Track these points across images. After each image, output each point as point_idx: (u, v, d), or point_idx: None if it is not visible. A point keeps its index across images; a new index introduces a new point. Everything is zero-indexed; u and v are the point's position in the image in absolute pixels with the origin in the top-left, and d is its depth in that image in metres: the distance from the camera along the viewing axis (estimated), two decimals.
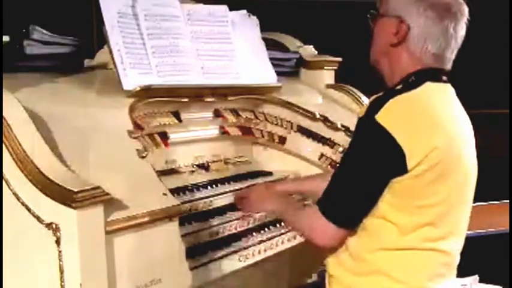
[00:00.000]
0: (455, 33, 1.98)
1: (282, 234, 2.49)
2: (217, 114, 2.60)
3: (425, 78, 1.98)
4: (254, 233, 2.41)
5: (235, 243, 2.32)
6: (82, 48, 2.36)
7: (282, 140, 2.81)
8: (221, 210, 2.38)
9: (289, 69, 3.07)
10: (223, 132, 2.64)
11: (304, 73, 3.11)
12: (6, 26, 2.28)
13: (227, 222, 2.34)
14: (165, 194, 1.97)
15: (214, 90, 2.52)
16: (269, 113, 2.79)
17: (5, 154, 1.74)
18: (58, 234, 1.68)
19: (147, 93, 2.26)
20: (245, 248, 2.34)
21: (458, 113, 2.06)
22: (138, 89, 2.23)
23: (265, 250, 2.42)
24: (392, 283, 1.97)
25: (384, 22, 2.03)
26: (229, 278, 2.28)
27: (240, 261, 2.30)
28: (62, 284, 1.69)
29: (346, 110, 2.93)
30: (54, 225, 1.68)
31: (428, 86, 1.98)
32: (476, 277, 2.10)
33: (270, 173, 2.78)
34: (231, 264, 2.27)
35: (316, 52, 3.16)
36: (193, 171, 2.51)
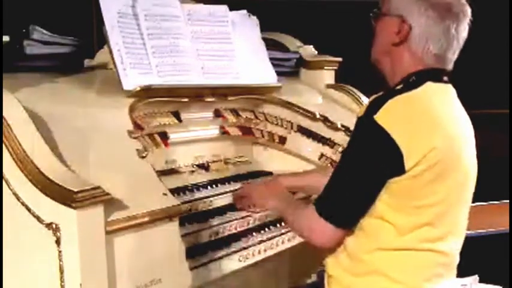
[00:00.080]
0: (457, 34, 1.97)
1: (282, 234, 2.49)
2: (217, 114, 2.60)
3: (426, 79, 1.98)
4: (254, 233, 2.41)
5: (235, 243, 2.32)
6: (82, 48, 2.36)
7: (282, 140, 2.81)
8: (221, 210, 2.38)
9: (289, 69, 3.07)
10: (224, 132, 2.64)
11: (304, 73, 3.11)
12: (6, 26, 2.28)
13: (227, 222, 2.34)
14: (165, 194, 1.97)
15: (214, 90, 2.52)
16: (269, 113, 2.79)
17: (5, 154, 1.74)
18: (58, 234, 1.68)
19: (147, 93, 2.26)
20: (245, 248, 2.34)
21: (458, 113, 2.06)
22: (138, 89, 2.23)
23: (265, 250, 2.42)
24: (390, 283, 1.97)
25: (386, 21, 2.03)
26: (229, 278, 2.28)
27: (240, 261, 2.30)
28: (62, 284, 1.69)
29: (346, 110, 2.93)
30: (54, 225, 1.68)
31: (429, 86, 1.98)
32: (476, 277, 2.10)
33: (270, 173, 2.78)
34: (231, 264, 2.27)
35: (316, 52, 3.16)
36: (193, 171, 2.51)
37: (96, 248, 1.72)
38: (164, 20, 2.42)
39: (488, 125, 3.82)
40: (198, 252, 2.15)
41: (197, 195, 2.38)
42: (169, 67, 2.38)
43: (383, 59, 2.07)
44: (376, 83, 2.09)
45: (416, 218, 1.94)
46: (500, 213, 3.93)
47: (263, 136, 2.78)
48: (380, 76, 2.10)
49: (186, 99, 2.40)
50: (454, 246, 2.05)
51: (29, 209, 1.72)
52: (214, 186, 2.49)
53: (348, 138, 2.70)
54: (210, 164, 2.58)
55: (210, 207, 2.38)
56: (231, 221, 2.36)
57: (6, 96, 1.81)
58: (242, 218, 2.40)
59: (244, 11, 2.74)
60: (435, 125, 1.93)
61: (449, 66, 2.03)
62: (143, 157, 2.04)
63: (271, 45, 2.93)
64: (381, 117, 1.88)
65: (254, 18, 2.76)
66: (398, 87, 1.98)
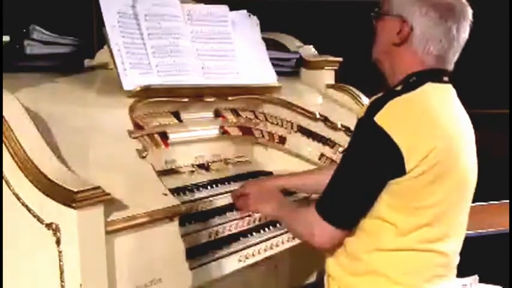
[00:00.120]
0: (457, 34, 1.97)
1: (282, 234, 2.49)
2: (217, 114, 2.60)
3: (427, 79, 1.98)
4: (254, 233, 2.41)
5: (235, 243, 2.32)
6: (82, 48, 2.36)
7: (282, 140, 2.82)
8: (221, 210, 2.38)
9: (289, 69, 3.07)
10: (224, 132, 2.64)
11: (304, 73, 3.11)
12: (6, 26, 2.28)
13: (227, 222, 2.34)
14: (165, 194, 1.97)
15: (215, 90, 2.52)
16: (269, 113, 2.79)
17: (5, 154, 1.74)
18: (58, 234, 1.68)
19: (147, 93, 2.26)
20: (245, 248, 2.34)
21: (458, 113, 2.05)
22: (138, 89, 2.23)
23: (265, 250, 2.42)
24: (390, 284, 1.97)
25: (387, 21, 2.03)
26: (229, 278, 2.28)
27: (240, 261, 2.30)
28: (62, 284, 1.69)
29: (346, 110, 2.92)
30: (54, 225, 1.68)
31: (429, 87, 1.97)
32: (476, 277, 2.10)
33: (270, 173, 2.78)
34: (231, 264, 2.27)
35: (316, 52, 3.16)
36: (193, 171, 2.50)
37: (96, 248, 1.72)
38: (164, 20, 2.42)
39: (488, 125, 3.82)
40: (198, 252, 2.15)
41: (197, 195, 2.38)
42: (169, 67, 2.38)
43: (383, 59, 2.06)
44: (376, 83, 2.09)
45: (416, 218, 1.94)
46: (500, 213, 3.92)
47: (263, 136, 2.78)
48: (380, 76, 2.10)
49: (186, 99, 2.40)
50: (453, 247, 2.05)
51: (29, 209, 1.72)
52: (214, 186, 2.48)
53: (348, 138, 2.71)
54: (210, 164, 2.57)
55: (210, 207, 2.38)
56: (231, 221, 2.36)
57: (6, 96, 1.81)
58: (242, 218, 2.40)
59: (244, 11, 2.74)
60: (435, 126, 1.93)
61: (450, 67, 2.02)
62: (143, 157, 2.04)
63: (271, 45, 2.93)
64: (381, 119, 1.87)
65: (254, 18, 2.76)
66: (399, 87, 1.98)
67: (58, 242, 1.68)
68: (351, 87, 3.05)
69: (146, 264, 1.86)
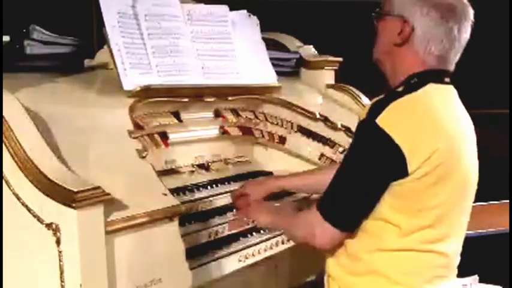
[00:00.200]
0: (459, 35, 1.96)
1: (282, 234, 2.48)
2: (217, 114, 2.60)
3: (428, 80, 1.97)
4: (254, 233, 2.41)
5: (235, 243, 2.32)
6: (82, 48, 2.36)
7: (282, 140, 2.82)
8: (221, 210, 2.38)
9: (289, 69, 3.07)
10: (224, 132, 2.64)
11: (304, 73, 3.11)
12: (6, 26, 2.28)
13: (227, 222, 2.34)
14: (165, 194, 1.97)
15: (215, 90, 2.52)
16: (269, 113, 2.79)
17: (5, 154, 1.74)
18: (58, 234, 1.68)
19: (147, 93, 2.26)
20: (245, 248, 2.34)
21: (459, 113, 2.05)
22: (138, 89, 2.23)
23: (265, 250, 2.42)
24: (389, 284, 1.97)
25: (388, 21, 2.02)
26: (229, 278, 2.28)
27: (240, 261, 2.31)
28: (62, 284, 1.69)
29: (346, 110, 2.92)
30: (54, 225, 1.68)
31: (430, 88, 1.97)
32: (476, 277, 2.10)
33: (270, 173, 2.78)
34: (231, 264, 2.27)
35: (316, 52, 3.16)
36: (193, 171, 2.50)
37: (96, 248, 1.72)
38: (164, 20, 2.42)
39: (488, 125, 3.82)
40: (198, 252, 2.15)
41: (197, 195, 2.38)
42: (169, 67, 2.38)
43: (385, 59, 2.06)
44: (376, 83, 2.09)
45: (419, 220, 1.93)
46: (500, 213, 3.92)
47: (263, 136, 2.78)
48: (380, 76, 2.10)
49: (186, 99, 2.40)
50: (454, 247, 2.05)
51: (29, 209, 1.72)
52: (214, 186, 2.49)
53: (348, 138, 2.73)
54: (210, 164, 2.57)
55: (210, 207, 2.38)
56: (231, 221, 2.36)
57: (6, 96, 1.81)
58: (239, 221, 2.40)
59: (244, 11, 2.74)
60: (437, 127, 1.93)
61: (451, 67, 2.02)
62: (143, 157, 2.04)
63: (271, 45, 2.93)
64: (383, 121, 1.87)
65: (254, 18, 2.76)
66: (400, 89, 1.98)
67: (58, 242, 1.68)
68: (351, 87, 3.05)
69: (146, 264, 1.85)
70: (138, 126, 2.16)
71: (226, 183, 2.55)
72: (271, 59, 2.76)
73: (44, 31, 2.20)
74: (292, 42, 3.14)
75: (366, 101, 2.97)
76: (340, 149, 2.78)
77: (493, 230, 3.81)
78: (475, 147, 2.07)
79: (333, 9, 4.89)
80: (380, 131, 1.87)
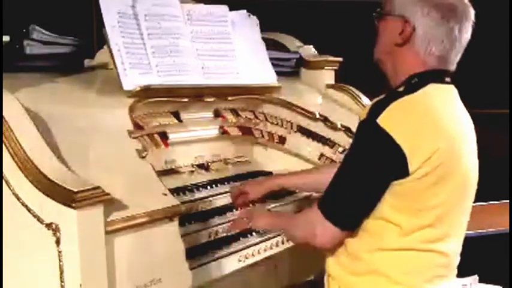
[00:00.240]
0: (460, 35, 1.96)
1: (282, 234, 2.48)
2: (217, 114, 2.60)
3: (429, 80, 1.97)
4: (254, 233, 2.41)
5: (235, 243, 2.32)
6: (82, 48, 2.36)
7: (282, 140, 2.82)
8: (221, 210, 2.38)
9: (289, 69, 3.07)
10: (223, 132, 2.64)
11: (304, 73, 3.11)
12: (6, 26, 2.28)
13: (227, 222, 2.34)
14: (165, 194, 1.97)
15: (214, 90, 2.52)
16: (269, 113, 2.79)
17: (5, 154, 1.74)
18: (58, 234, 1.68)
19: (147, 93, 2.26)
20: (245, 248, 2.34)
21: (460, 113, 2.05)
22: (138, 89, 2.24)
23: (265, 250, 2.42)
24: (390, 284, 1.97)
25: (389, 21, 2.02)
26: (229, 278, 2.28)
27: (240, 261, 2.31)
28: (62, 284, 1.69)
29: (346, 110, 2.93)
30: (54, 225, 1.68)
31: (431, 88, 1.97)
32: (476, 277, 2.10)
33: (269, 173, 2.78)
34: (231, 264, 2.27)
35: (316, 52, 3.16)
36: (193, 171, 2.51)
37: (96, 248, 1.72)
38: (164, 20, 2.42)
39: (488, 125, 3.82)
40: (198, 252, 2.15)
41: (197, 195, 2.39)
42: (169, 67, 2.38)
43: (385, 59, 2.06)
44: (376, 83, 2.09)
45: (419, 220, 1.93)
46: (500, 213, 3.92)
47: (263, 136, 2.78)
48: (380, 76, 2.10)
49: (186, 99, 2.40)
50: (454, 247, 2.05)
51: (29, 209, 1.72)
52: (214, 186, 2.49)
53: (348, 138, 2.73)
54: (210, 164, 2.57)
55: (210, 207, 2.38)
56: (231, 221, 2.36)
57: (6, 96, 1.81)
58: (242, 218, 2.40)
59: (244, 11, 2.74)
60: (438, 127, 1.93)
61: (452, 67, 2.02)
62: (143, 157, 2.04)
63: (271, 45, 2.93)
64: (384, 121, 1.87)
65: (254, 18, 2.76)
66: (401, 89, 1.98)
67: (58, 242, 1.68)
68: (351, 87, 3.05)
69: (146, 264, 1.85)
70: (138, 126, 2.16)
71: (226, 183, 2.55)
72: (271, 59, 2.77)
73: (43, 31, 2.20)
74: (292, 42, 3.14)
75: (366, 101, 2.97)
76: (340, 149, 2.78)
77: (493, 230, 3.81)
78: (475, 147, 2.07)
79: (333, 9, 4.89)
80: (381, 131, 1.87)
